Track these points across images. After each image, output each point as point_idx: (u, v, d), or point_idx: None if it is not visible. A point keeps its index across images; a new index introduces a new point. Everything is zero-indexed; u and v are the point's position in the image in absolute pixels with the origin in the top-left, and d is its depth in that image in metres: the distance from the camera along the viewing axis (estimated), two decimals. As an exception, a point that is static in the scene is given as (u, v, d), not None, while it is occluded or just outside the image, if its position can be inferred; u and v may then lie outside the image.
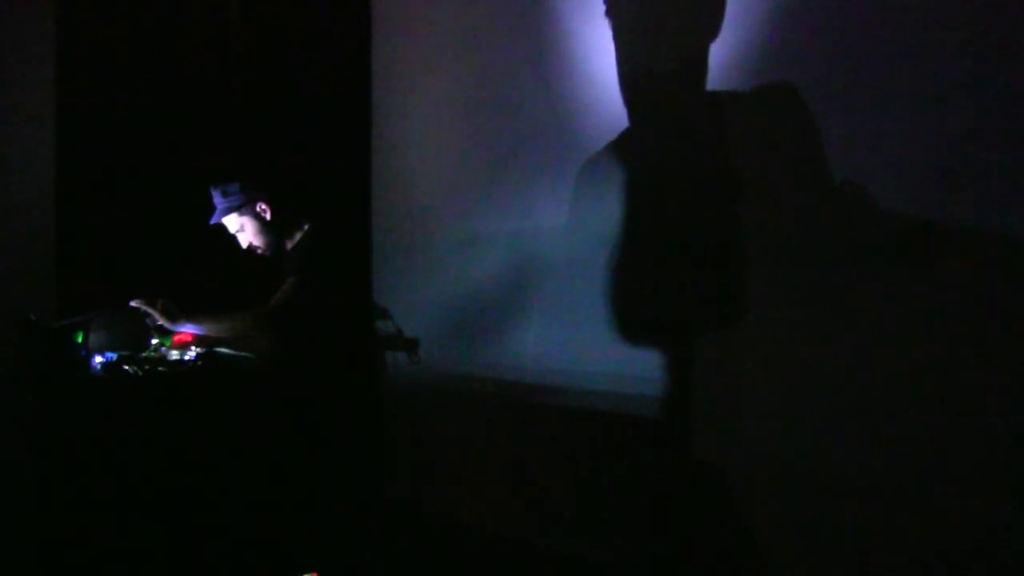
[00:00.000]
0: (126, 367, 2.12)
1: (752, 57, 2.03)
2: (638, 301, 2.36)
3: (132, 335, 2.36)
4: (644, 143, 2.33)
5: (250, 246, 2.48)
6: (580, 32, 2.49)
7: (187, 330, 2.33)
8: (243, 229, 2.45)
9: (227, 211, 2.42)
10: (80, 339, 2.20)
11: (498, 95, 2.79)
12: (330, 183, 3.21)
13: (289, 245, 2.50)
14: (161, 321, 2.31)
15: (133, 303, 2.32)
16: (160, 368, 2.16)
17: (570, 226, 2.54)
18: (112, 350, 2.24)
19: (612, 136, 2.39)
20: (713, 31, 2.10)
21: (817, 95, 1.90)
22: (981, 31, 1.64)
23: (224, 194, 2.41)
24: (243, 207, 2.42)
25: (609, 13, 2.37)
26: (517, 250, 2.71)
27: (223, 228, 2.48)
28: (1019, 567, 1.59)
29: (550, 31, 2.58)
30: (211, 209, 2.46)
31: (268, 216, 2.44)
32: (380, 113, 3.31)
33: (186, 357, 2.25)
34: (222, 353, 2.35)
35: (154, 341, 2.36)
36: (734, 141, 2.10)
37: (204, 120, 3.24)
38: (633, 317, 2.36)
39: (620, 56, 2.36)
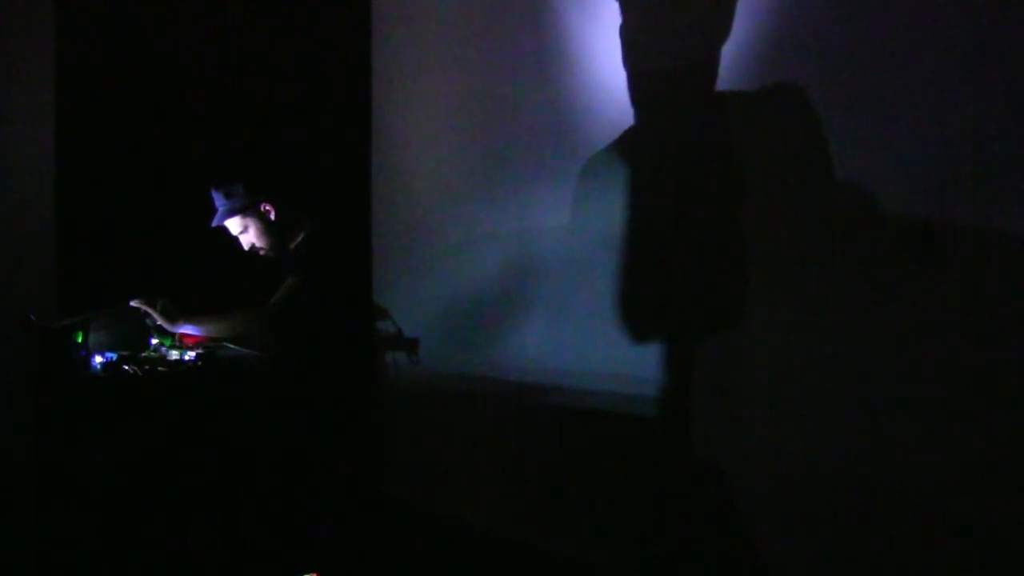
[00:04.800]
0: (126, 367, 2.12)
1: (752, 57, 2.03)
2: (638, 301, 2.36)
3: (132, 335, 2.36)
4: (644, 143, 2.33)
5: (252, 247, 2.47)
6: (580, 31, 2.49)
7: (186, 331, 2.33)
8: (247, 230, 2.44)
9: (231, 213, 2.40)
10: (80, 339, 2.20)
11: (498, 94, 2.79)
12: (330, 183, 3.21)
13: (291, 245, 2.50)
14: (160, 322, 2.31)
15: (133, 303, 2.32)
16: (160, 368, 2.16)
17: (570, 226, 2.54)
18: (112, 350, 2.24)
19: (612, 136, 2.39)
20: (720, 32, 2.10)
21: (817, 95, 1.90)
22: (981, 31, 1.64)
23: (228, 196, 2.40)
24: (247, 208, 2.41)
25: (620, 11, 2.36)
26: (517, 250, 2.71)
27: (224, 229, 2.47)
28: (1019, 567, 1.59)
29: (550, 31, 2.58)
30: (211, 210, 2.45)
31: (272, 217, 2.44)
32: (380, 113, 3.31)
33: (186, 357, 2.25)
34: (222, 352, 2.35)
35: (154, 341, 2.36)
36: (734, 141, 2.10)
37: (204, 120, 3.23)
38: (633, 317, 2.36)
39: (625, 53, 2.35)
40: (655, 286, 2.30)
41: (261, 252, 2.48)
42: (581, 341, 2.49)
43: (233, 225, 2.44)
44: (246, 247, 2.48)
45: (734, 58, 2.07)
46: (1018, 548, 1.59)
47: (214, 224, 2.44)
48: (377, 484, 3.01)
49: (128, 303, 2.32)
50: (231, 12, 3.31)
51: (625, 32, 2.34)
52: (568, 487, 2.54)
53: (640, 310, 2.35)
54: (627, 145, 2.37)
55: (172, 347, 2.34)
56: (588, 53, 2.46)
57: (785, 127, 1.98)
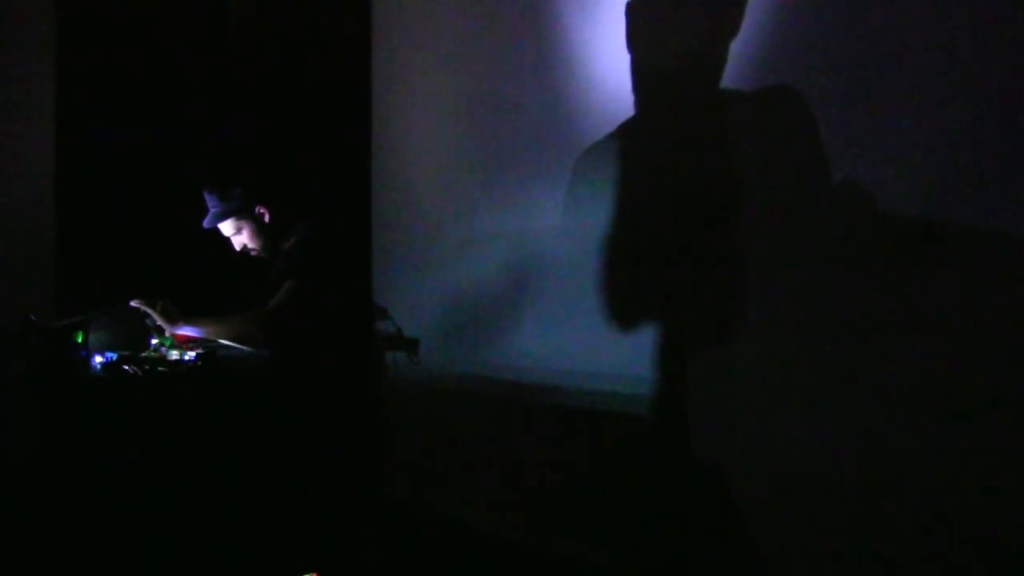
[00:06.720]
0: (126, 367, 2.12)
1: (752, 57, 2.03)
2: (638, 301, 2.36)
3: (132, 335, 2.36)
4: (644, 143, 2.33)
5: (244, 248, 2.47)
6: (581, 32, 2.49)
7: (186, 332, 2.33)
8: (240, 232, 2.44)
9: (226, 214, 2.40)
10: (80, 339, 2.20)
11: (498, 95, 2.79)
12: (330, 183, 3.21)
13: (285, 246, 2.50)
14: (160, 322, 2.31)
15: (133, 303, 2.32)
16: (160, 368, 2.16)
17: (570, 226, 2.54)
18: (112, 350, 2.24)
19: (612, 136, 2.39)
20: (720, 32, 2.10)
21: (817, 95, 1.90)
22: (981, 31, 1.64)
23: (223, 197, 2.40)
24: (243, 210, 2.41)
25: (620, 11, 2.36)
26: (517, 250, 2.71)
27: (216, 230, 2.47)
28: (1019, 567, 1.59)
29: (550, 31, 2.58)
30: (204, 210, 2.45)
31: (267, 218, 2.44)
32: (380, 113, 3.31)
33: (186, 357, 2.25)
34: (222, 352, 2.35)
35: (154, 341, 2.36)
36: (734, 140, 2.10)
37: (204, 120, 3.24)
38: (633, 317, 2.36)
39: (626, 53, 2.35)
40: (655, 286, 2.30)
41: (253, 253, 2.48)
42: (581, 341, 2.49)
43: (227, 227, 2.44)
44: (237, 248, 2.48)
45: (735, 58, 2.07)
46: (1018, 548, 1.59)
47: (206, 225, 2.43)
48: (377, 484, 3.01)
49: (128, 303, 2.32)
50: (231, 12, 3.31)
51: (625, 31, 2.34)
52: (567, 487, 2.55)
53: (640, 310, 2.35)
54: (627, 145, 2.37)
55: (172, 347, 2.34)
56: (588, 53, 2.46)
57: (785, 126, 1.98)
